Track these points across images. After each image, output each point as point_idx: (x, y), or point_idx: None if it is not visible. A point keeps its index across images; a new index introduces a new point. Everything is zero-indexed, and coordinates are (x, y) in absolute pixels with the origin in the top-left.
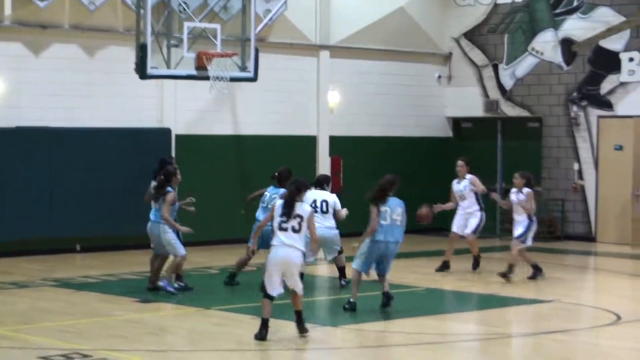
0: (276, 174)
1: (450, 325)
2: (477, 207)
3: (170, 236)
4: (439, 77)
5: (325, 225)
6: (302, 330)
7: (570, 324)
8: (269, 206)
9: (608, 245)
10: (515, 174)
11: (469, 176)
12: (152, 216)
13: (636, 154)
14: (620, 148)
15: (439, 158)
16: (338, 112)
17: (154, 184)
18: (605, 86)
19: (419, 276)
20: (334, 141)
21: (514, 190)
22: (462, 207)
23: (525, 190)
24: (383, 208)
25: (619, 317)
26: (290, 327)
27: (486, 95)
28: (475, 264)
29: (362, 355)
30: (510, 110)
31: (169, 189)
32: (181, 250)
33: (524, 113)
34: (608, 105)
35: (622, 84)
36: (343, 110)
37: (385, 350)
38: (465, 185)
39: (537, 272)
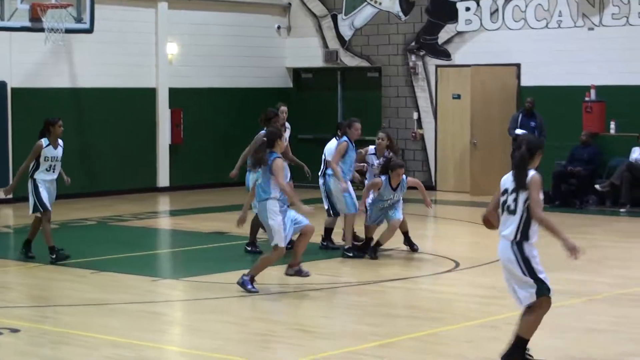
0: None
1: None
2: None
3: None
4: (279, 27)
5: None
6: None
7: (411, 271)
8: None
9: (447, 193)
10: (380, 134)
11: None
12: None
13: (474, 102)
14: (458, 97)
15: None
16: (177, 64)
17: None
18: (443, 36)
19: None
20: (174, 93)
21: (372, 150)
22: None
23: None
24: None
25: (457, 264)
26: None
27: (326, 45)
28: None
29: (201, 306)
30: (349, 60)
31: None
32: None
33: (364, 63)
34: (446, 55)
35: (459, 33)
36: (182, 62)
37: (227, 301)
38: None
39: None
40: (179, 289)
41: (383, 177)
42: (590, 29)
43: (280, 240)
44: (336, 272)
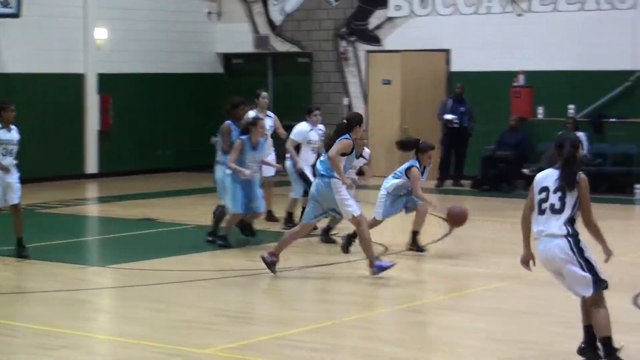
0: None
1: (222, 261)
2: None
3: None
4: (209, 13)
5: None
6: None
7: (338, 257)
8: None
9: (378, 178)
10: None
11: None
12: None
13: (404, 88)
14: (388, 82)
15: (210, 94)
16: (106, 49)
17: None
18: (373, 21)
19: (193, 212)
20: (103, 79)
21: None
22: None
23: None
24: None
25: (386, 249)
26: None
27: (256, 31)
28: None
29: (129, 293)
30: (280, 45)
31: None
32: None
33: (294, 48)
34: (376, 40)
35: (390, 19)
36: (112, 47)
37: (155, 288)
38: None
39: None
40: (107, 277)
41: (413, 162)
42: (519, 15)
43: (354, 210)
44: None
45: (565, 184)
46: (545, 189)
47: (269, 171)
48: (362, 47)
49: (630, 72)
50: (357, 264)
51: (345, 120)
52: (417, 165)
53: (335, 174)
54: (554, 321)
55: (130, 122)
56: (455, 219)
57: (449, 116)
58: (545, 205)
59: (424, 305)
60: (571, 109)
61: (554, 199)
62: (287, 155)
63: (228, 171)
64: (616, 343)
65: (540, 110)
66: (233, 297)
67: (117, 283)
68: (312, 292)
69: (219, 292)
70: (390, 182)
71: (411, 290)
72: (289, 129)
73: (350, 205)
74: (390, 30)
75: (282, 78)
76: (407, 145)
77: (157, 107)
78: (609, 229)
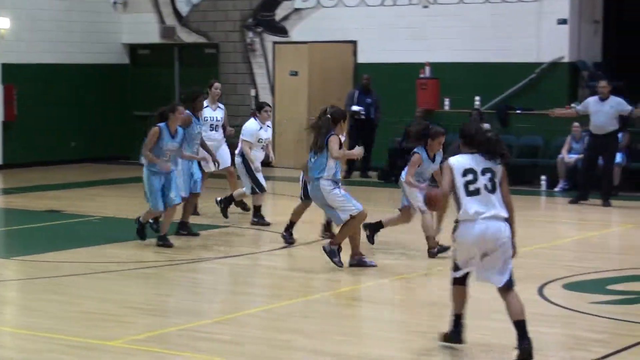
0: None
1: (128, 252)
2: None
3: None
4: (115, 3)
5: None
6: None
7: (249, 248)
8: None
9: (286, 170)
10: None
11: None
12: None
13: (311, 79)
14: (295, 74)
15: (116, 85)
16: (10, 39)
17: None
18: (280, 12)
19: (98, 204)
20: (7, 69)
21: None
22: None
23: None
24: None
25: (295, 240)
26: None
27: (162, 21)
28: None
29: (34, 286)
30: (186, 36)
31: None
32: None
33: (201, 39)
34: (283, 32)
35: (297, 10)
36: (15, 37)
37: (61, 280)
38: None
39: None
40: (11, 269)
41: (418, 149)
42: (425, 6)
43: (353, 210)
44: (173, 250)
45: (501, 160)
46: (470, 171)
47: (210, 167)
48: (269, 38)
49: (536, 65)
50: (273, 254)
51: (329, 116)
52: (422, 152)
53: (325, 176)
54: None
55: (35, 112)
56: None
57: (355, 107)
58: (475, 186)
59: (337, 296)
60: (477, 100)
61: (484, 180)
62: (237, 151)
63: (145, 163)
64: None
65: (447, 102)
66: (140, 289)
67: (22, 275)
68: (223, 283)
69: (126, 284)
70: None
71: (324, 282)
72: None
73: (347, 206)
74: (297, 21)
75: (188, 69)
76: (421, 136)
77: (62, 97)
78: (517, 221)
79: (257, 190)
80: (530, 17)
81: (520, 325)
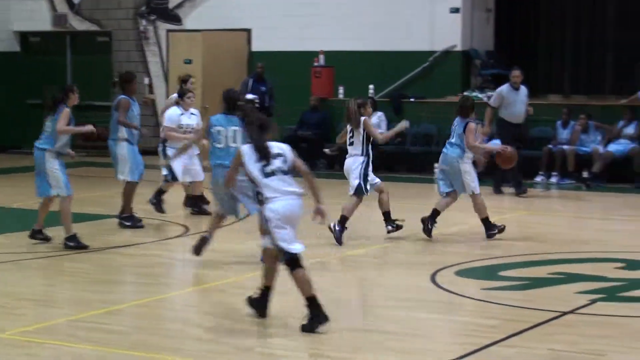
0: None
1: (19, 242)
2: None
3: None
4: None
5: None
6: None
7: (140, 237)
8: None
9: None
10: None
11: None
12: None
13: (205, 67)
14: (189, 62)
15: (6, 73)
16: None
17: None
18: (174, 0)
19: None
20: None
21: None
22: None
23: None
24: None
25: (187, 229)
26: None
27: (54, 9)
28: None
29: None
30: (79, 24)
31: None
32: None
33: (93, 27)
34: (177, 19)
35: None
36: None
37: None
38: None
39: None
40: None
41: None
42: None
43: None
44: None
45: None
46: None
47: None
48: (163, 26)
49: (429, 53)
50: (165, 244)
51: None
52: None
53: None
54: (355, 300)
55: None
56: (507, 159)
57: (250, 96)
58: (270, 168)
59: (226, 284)
60: (371, 89)
61: (278, 163)
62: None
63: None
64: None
65: (341, 90)
66: (31, 280)
67: None
68: (114, 273)
69: (16, 275)
70: (456, 154)
71: (211, 271)
72: (89, 109)
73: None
74: (191, 9)
75: (81, 57)
76: (468, 108)
77: None
78: (410, 208)
79: (169, 177)
80: (424, 5)
81: (311, 302)
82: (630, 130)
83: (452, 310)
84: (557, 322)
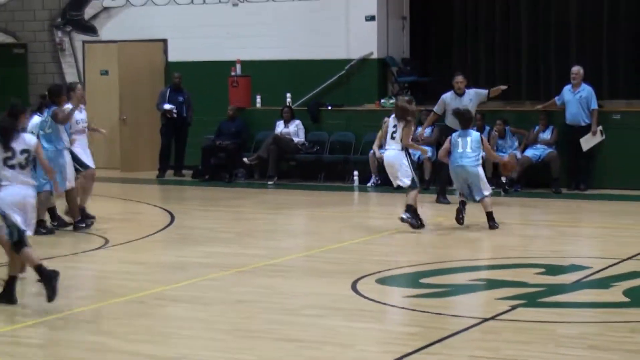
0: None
1: None
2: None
3: None
4: None
5: None
6: None
7: (59, 250)
8: None
9: (98, 170)
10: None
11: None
12: None
13: (122, 78)
14: (106, 73)
15: None
16: None
17: None
18: (89, 11)
19: None
20: None
21: None
22: None
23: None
24: None
25: (107, 241)
26: None
27: None
28: None
29: None
30: None
31: None
32: None
33: (9, 39)
34: (92, 31)
35: (106, 9)
36: None
37: None
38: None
39: None
40: None
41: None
42: (235, 4)
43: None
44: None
45: None
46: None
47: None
48: (79, 38)
49: (345, 61)
50: (84, 256)
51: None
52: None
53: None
54: (275, 309)
55: None
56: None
57: (167, 106)
58: (13, 162)
59: (146, 296)
60: (288, 97)
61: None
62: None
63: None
64: None
65: (258, 99)
66: None
67: None
68: (35, 286)
69: None
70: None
71: (132, 282)
72: None
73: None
74: (107, 20)
75: None
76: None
77: None
78: (329, 217)
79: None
80: (339, 13)
81: (8, 282)
82: (546, 135)
83: (373, 318)
84: (478, 329)
